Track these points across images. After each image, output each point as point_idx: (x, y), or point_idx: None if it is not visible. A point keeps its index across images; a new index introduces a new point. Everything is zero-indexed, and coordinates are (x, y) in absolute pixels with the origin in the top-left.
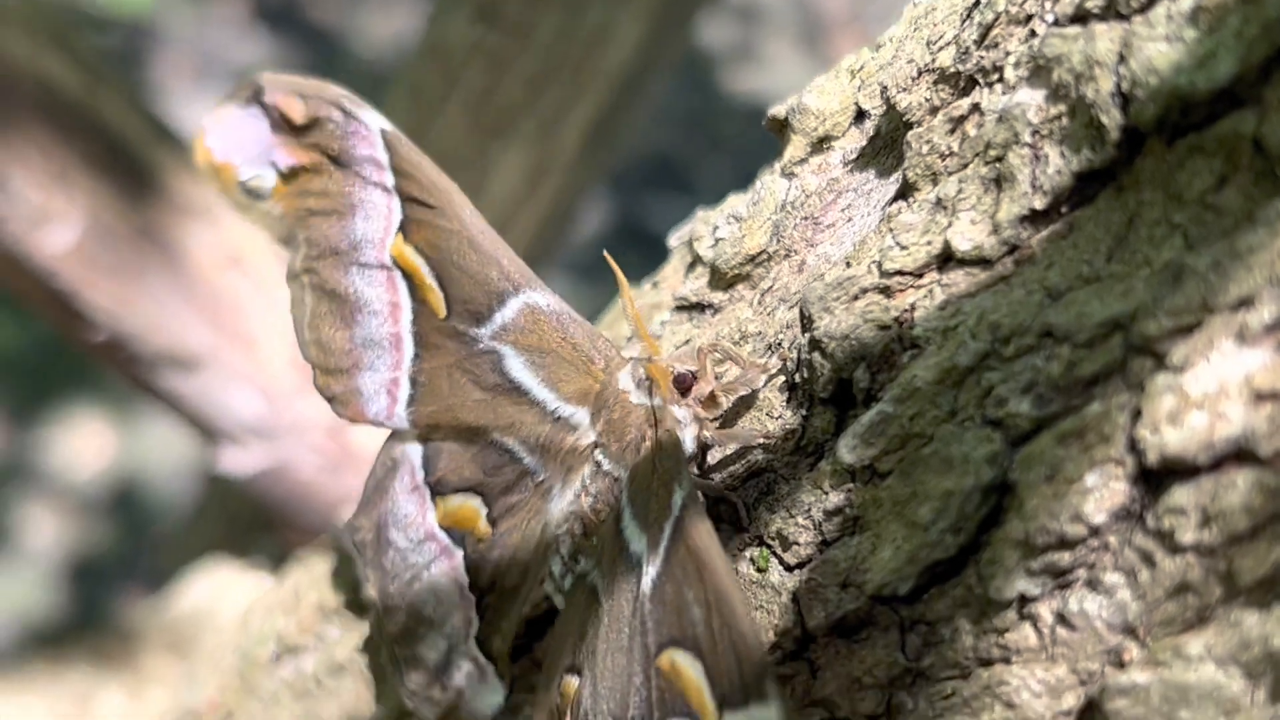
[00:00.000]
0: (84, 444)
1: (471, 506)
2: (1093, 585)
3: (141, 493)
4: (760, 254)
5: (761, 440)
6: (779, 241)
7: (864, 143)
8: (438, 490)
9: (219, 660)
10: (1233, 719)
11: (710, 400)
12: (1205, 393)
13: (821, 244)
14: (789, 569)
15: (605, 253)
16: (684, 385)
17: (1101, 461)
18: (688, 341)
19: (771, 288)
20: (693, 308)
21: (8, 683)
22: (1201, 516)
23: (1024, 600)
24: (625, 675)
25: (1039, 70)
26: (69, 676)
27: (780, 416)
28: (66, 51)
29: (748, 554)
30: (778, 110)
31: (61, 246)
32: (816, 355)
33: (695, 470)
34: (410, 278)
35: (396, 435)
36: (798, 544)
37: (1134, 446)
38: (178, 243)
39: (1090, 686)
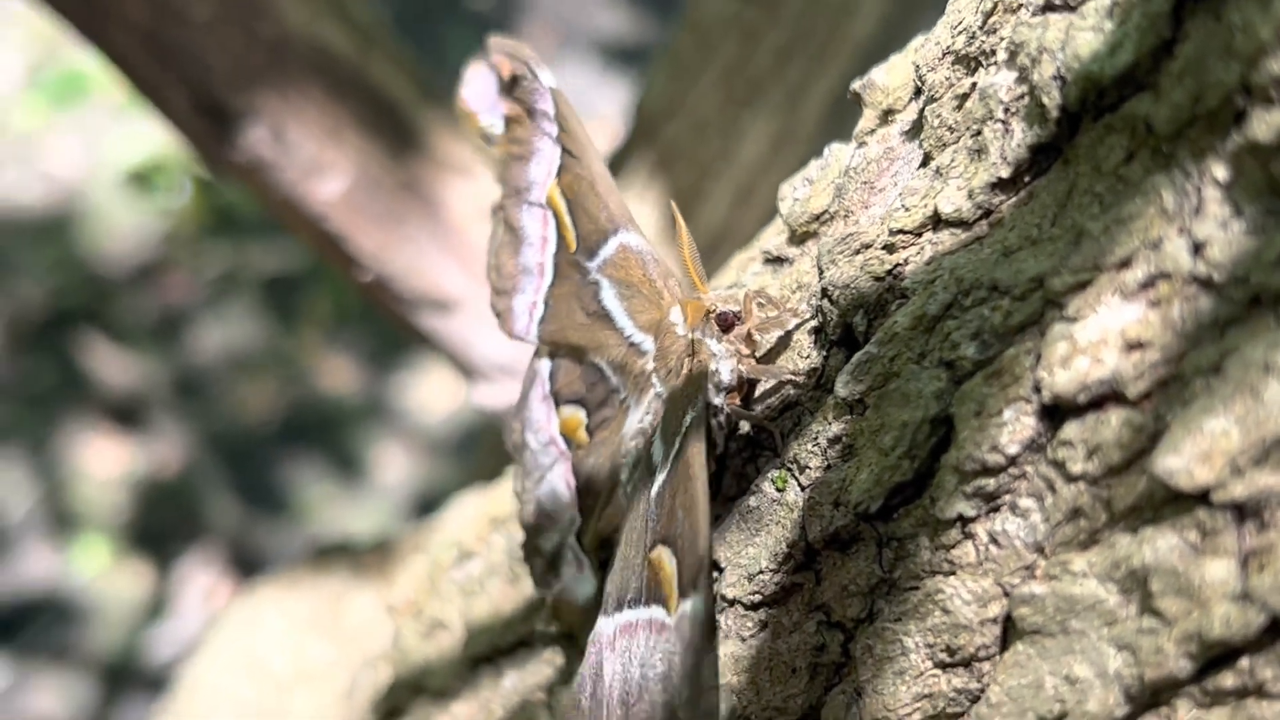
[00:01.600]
0: (435, 390)
1: (578, 417)
2: (1014, 509)
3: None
4: (823, 213)
5: (789, 376)
6: (840, 202)
7: (915, 116)
8: (558, 401)
9: (417, 566)
10: (1113, 629)
11: (749, 339)
12: (1090, 340)
13: (873, 205)
14: (802, 489)
15: (672, 203)
16: (726, 323)
17: (1015, 399)
18: (732, 286)
19: None
20: (774, 260)
21: (276, 587)
22: (1086, 450)
23: (964, 520)
24: (631, 565)
25: (1012, 54)
26: (328, 581)
27: (809, 356)
28: (342, 17)
29: (770, 475)
30: (855, 84)
31: (332, 194)
32: (826, 302)
33: (739, 401)
34: (556, 216)
35: (536, 351)
36: (809, 468)
37: (1037, 386)
38: (436, 195)
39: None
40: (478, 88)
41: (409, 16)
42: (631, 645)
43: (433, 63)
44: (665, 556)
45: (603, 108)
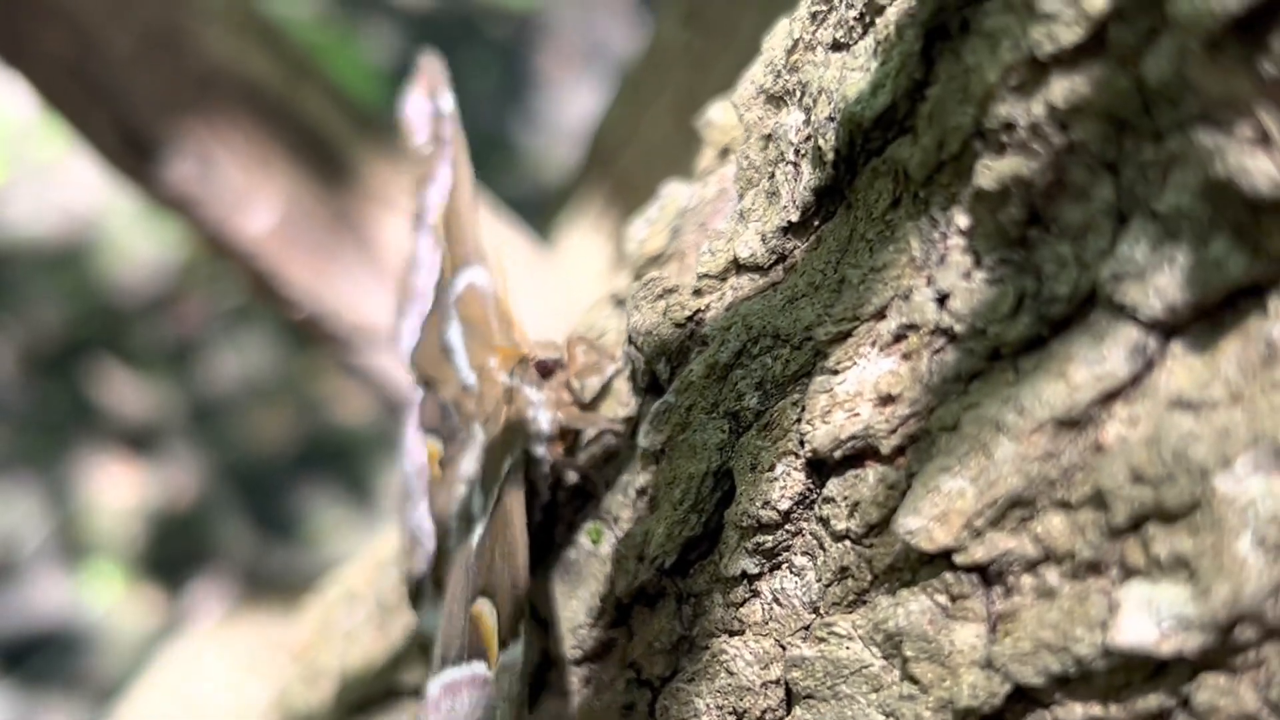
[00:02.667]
0: None
1: (436, 448)
2: (791, 567)
3: None
4: (659, 255)
5: (608, 425)
6: (675, 244)
7: None
8: (425, 429)
9: (313, 610)
10: (879, 694)
11: (567, 385)
12: (847, 393)
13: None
14: (616, 540)
15: (495, 248)
16: (545, 370)
17: (785, 453)
18: (589, 329)
19: None
20: (621, 303)
21: (217, 626)
22: (848, 507)
23: (749, 578)
24: (454, 620)
25: (800, 94)
26: (269, 622)
27: (628, 404)
28: (272, 50)
29: (586, 526)
30: (696, 122)
31: (263, 228)
32: (632, 349)
33: (562, 451)
34: (441, 242)
35: (413, 377)
36: (621, 519)
37: (802, 440)
38: (370, 229)
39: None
40: (411, 107)
41: (424, 43)
42: (455, 704)
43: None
44: (486, 609)
45: None
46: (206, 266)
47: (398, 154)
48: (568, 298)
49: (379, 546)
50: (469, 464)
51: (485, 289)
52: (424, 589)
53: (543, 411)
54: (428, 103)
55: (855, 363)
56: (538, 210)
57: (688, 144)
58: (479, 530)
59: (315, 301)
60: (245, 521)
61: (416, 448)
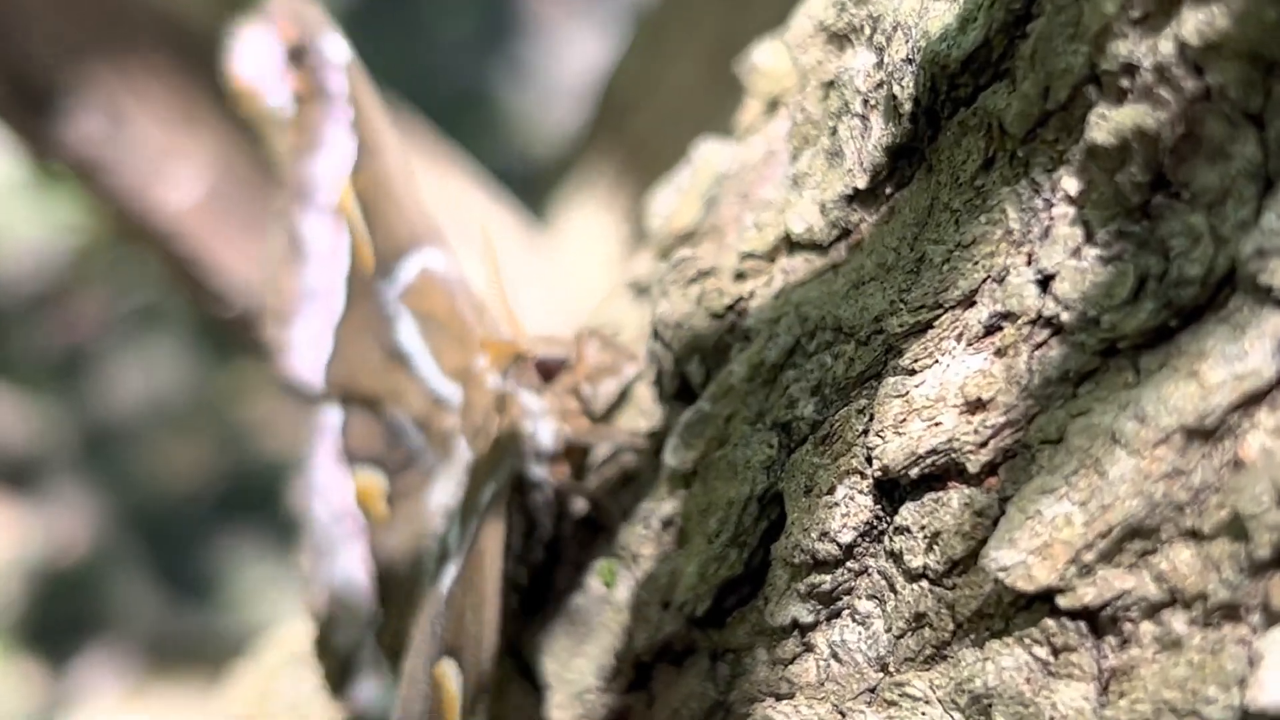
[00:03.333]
0: None
1: (376, 483)
2: (854, 614)
3: None
4: (691, 232)
5: (627, 440)
6: (711, 218)
7: None
8: (352, 460)
9: (247, 676)
10: None
11: (577, 392)
12: (926, 398)
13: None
14: (635, 582)
15: (482, 227)
16: (547, 372)
17: (847, 472)
18: (599, 325)
19: None
20: (643, 292)
21: (123, 697)
22: (926, 539)
23: (800, 628)
24: (415, 682)
25: (871, 31)
26: (182, 693)
27: (651, 414)
28: None
29: (597, 565)
30: (736, 67)
31: (187, 200)
32: (657, 345)
33: (568, 472)
34: (350, 226)
35: (324, 399)
36: (641, 556)
37: (869, 456)
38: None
39: None
40: (256, 57)
41: None
42: None
43: (421, 43)
44: (450, 673)
45: None
46: (107, 253)
47: None
48: (570, 291)
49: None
50: (442, 492)
51: (447, 274)
52: (359, 661)
53: (544, 423)
54: (279, 50)
55: (937, 361)
56: (528, 184)
57: (724, 97)
58: (451, 571)
59: (250, 296)
60: (149, 579)
61: (334, 485)
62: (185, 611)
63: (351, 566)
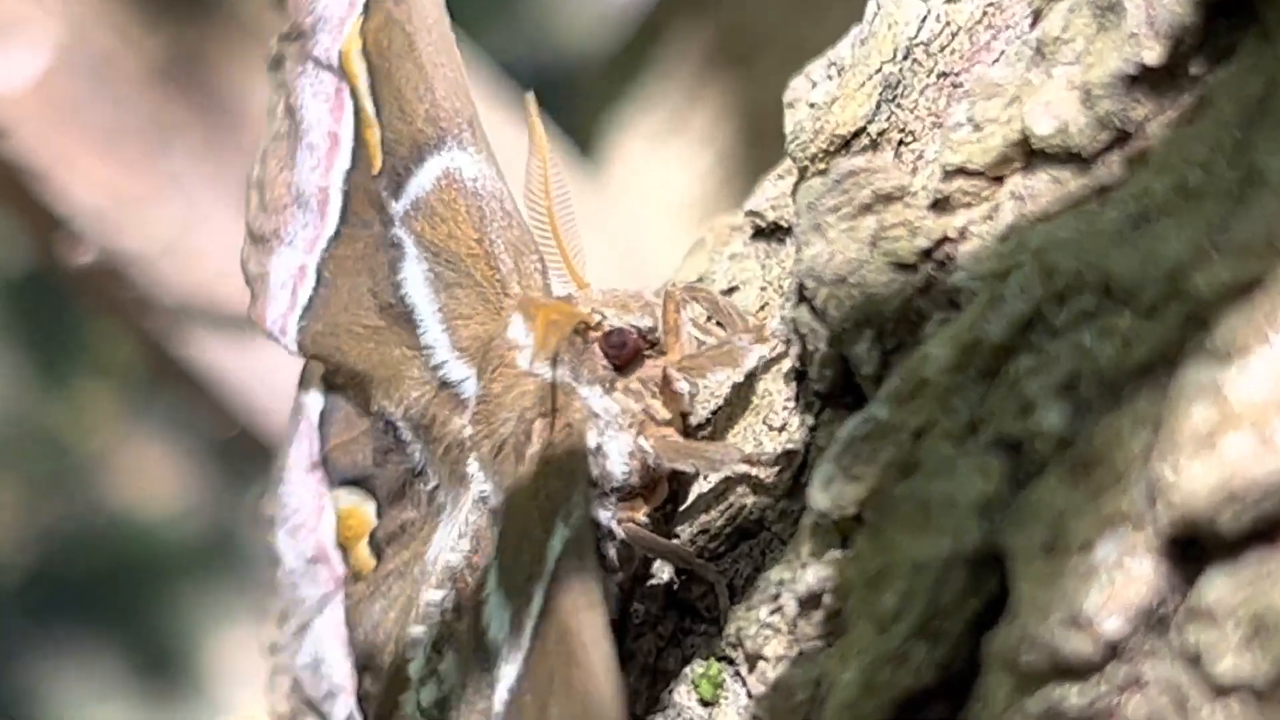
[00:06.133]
0: None
1: (360, 514)
2: None
3: None
4: (857, 134)
5: (744, 467)
6: (893, 114)
7: None
8: (331, 476)
9: None
10: None
11: (666, 385)
12: (1250, 400)
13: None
14: (750, 700)
15: (527, 97)
16: (623, 353)
17: (1116, 518)
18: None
19: None
20: (766, 232)
21: None
22: (1250, 628)
23: None
24: None
25: None
26: None
27: (786, 425)
28: None
29: (692, 671)
30: None
31: (19, 80)
32: (804, 313)
33: (646, 515)
34: (354, 94)
35: (303, 372)
36: (764, 656)
37: (1152, 495)
38: (237, 91)
39: None
40: None
41: None
42: None
43: None
44: None
45: None
46: None
47: None
48: (628, 240)
49: None
50: (447, 541)
51: (478, 185)
52: None
53: (613, 437)
54: None
55: (1268, 342)
56: (560, 91)
57: None
58: (508, 675)
59: (114, 232)
60: None
61: (306, 510)
62: None
63: (326, 640)
